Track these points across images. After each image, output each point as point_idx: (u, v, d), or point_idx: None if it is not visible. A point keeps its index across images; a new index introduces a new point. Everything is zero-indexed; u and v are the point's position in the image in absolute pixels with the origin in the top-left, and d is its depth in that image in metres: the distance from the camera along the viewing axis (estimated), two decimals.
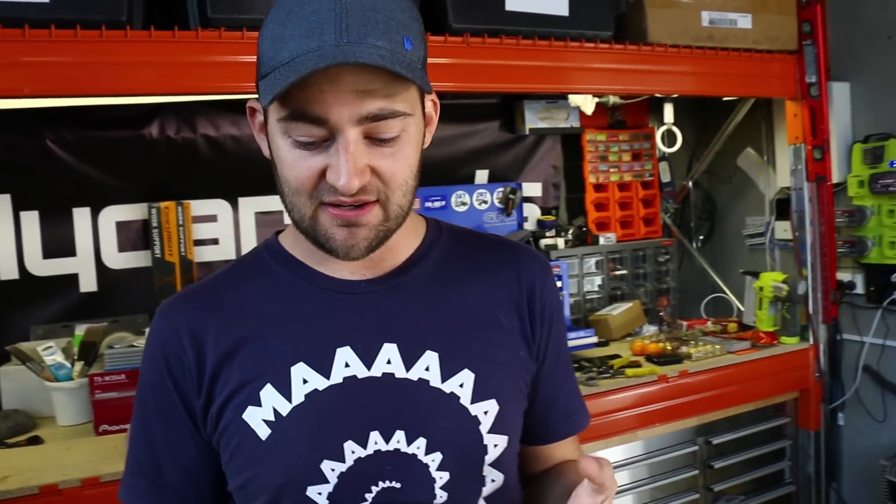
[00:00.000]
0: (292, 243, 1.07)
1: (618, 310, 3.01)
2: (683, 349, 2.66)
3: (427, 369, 1.01)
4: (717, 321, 3.11)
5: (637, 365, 2.55)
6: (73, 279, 2.51)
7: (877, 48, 2.80)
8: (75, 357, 2.23)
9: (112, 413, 2.08)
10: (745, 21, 2.61)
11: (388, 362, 1.00)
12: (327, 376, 0.98)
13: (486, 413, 1.02)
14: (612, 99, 3.17)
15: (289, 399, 0.97)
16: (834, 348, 2.97)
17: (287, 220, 2.70)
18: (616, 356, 2.65)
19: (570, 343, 2.64)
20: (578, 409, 1.20)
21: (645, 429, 2.47)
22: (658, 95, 3.13)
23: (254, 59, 1.63)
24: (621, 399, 2.40)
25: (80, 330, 2.27)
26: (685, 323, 3.08)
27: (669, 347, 2.70)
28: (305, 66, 0.84)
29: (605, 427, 2.37)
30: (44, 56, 1.68)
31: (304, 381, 0.98)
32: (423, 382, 1.00)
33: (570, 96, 2.99)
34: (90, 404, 2.13)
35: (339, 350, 0.99)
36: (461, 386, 1.01)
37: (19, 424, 2.14)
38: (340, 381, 0.98)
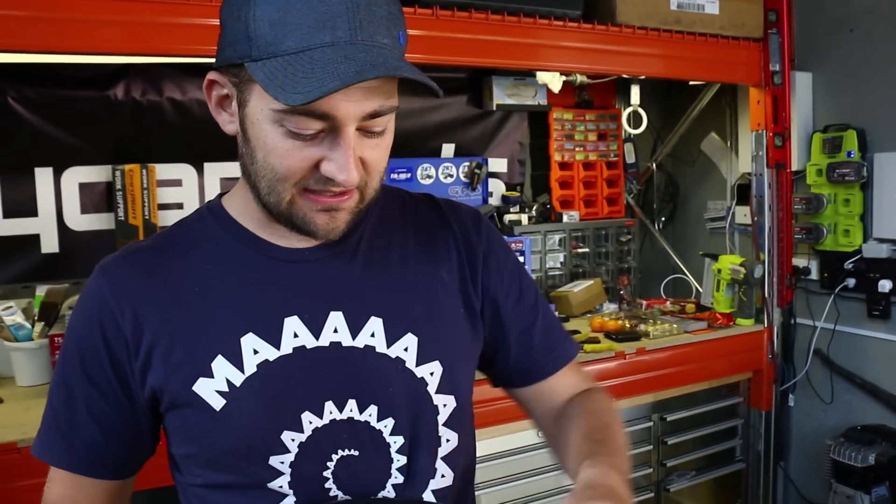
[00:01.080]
0: (239, 210, 1.05)
1: (579, 287, 3.05)
2: (642, 327, 2.71)
3: (372, 335, 1.02)
4: (676, 301, 3.17)
5: (596, 341, 2.59)
6: (34, 240, 2.47)
7: (839, 40, 2.85)
8: (35, 318, 2.22)
9: None
10: (712, 7, 2.64)
11: (335, 331, 1.01)
12: (277, 346, 0.99)
13: (431, 374, 1.05)
14: (580, 78, 3.19)
15: (241, 370, 0.98)
16: (787, 331, 3.04)
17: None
18: (576, 332, 2.69)
19: None
20: (561, 342, 1.20)
21: None
22: (625, 76, 3.16)
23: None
24: None
25: (41, 291, 2.25)
26: (644, 302, 3.13)
27: (628, 325, 2.74)
28: (334, 69, 0.83)
29: None
30: (4, 9, 1.64)
31: (255, 352, 0.98)
32: (369, 349, 1.02)
33: (538, 74, 3.01)
34: (50, 365, 2.12)
35: (287, 320, 1.00)
36: (405, 350, 1.03)
37: None
38: (290, 351, 0.99)
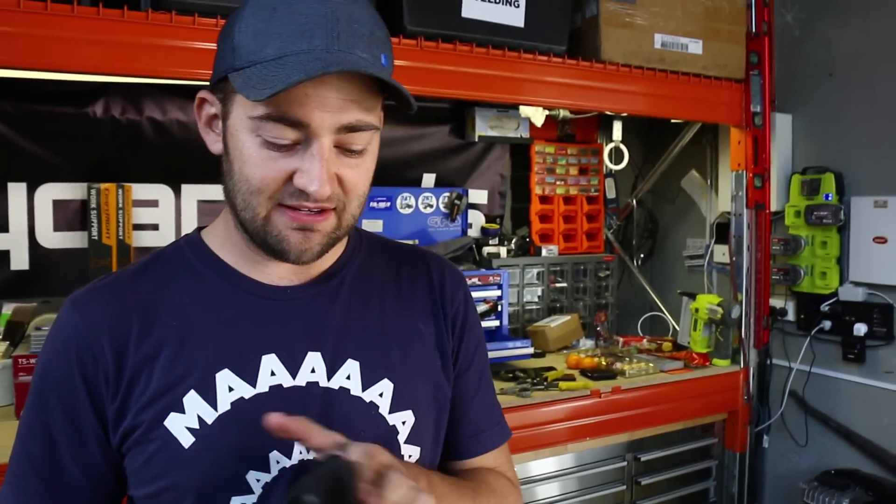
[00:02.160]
0: (220, 244, 1.04)
1: (556, 322, 3.03)
2: (618, 365, 2.69)
3: (348, 378, 1.01)
4: (653, 339, 3.15)
5: (571, 378, 2.56)
6: (3, 256, 2.42)
7: (819, 84, 2.88)
8: (0, 337, 2.17)
9: None
10: (696, 46, 2.66)
11: (313, 371, 1.00)
12: (253, 384, 0.97)
13: (403, 423, 1.04)
14: (563, 113, 3.20)
15: (214, 407, 0.95)
16: (763, 373, 3.04)
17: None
18: (551, 368, 2.67)
19: (507, 353, 2.67)
20: (491, 427, 1.19)
21: (576, 442, 2.48)
22: (608, 113, 3.17)
23: (204, 45, 1.60)
24: (554, 411, 2.41)
25: (8, 309, 2.22)
26: (621, 339, 3.11)
27: (604, 363, 2.73)
28: (303, 67, 0.84)
29: (537, 438, 2.38)
30: None
31: (230, 389, 0.96)
32: (343, 391, 1.00)
33: (521, 107, 3.01)
34: (13, 386, 2.06)
35: (264, 357, 0.98)
36: (381, 395, 1.02)
37: None
38: (266, 389, 0.97)
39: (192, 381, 0.96)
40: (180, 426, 0.94)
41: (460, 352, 1.15)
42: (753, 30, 2.88)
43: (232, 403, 0.96)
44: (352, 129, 0.91)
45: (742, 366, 2.91)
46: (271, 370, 0.98)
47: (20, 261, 2.45)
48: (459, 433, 1.16)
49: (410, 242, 2.97)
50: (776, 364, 3.04)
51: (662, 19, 2.58)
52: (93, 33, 1.73)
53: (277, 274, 1.03)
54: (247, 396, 0.96)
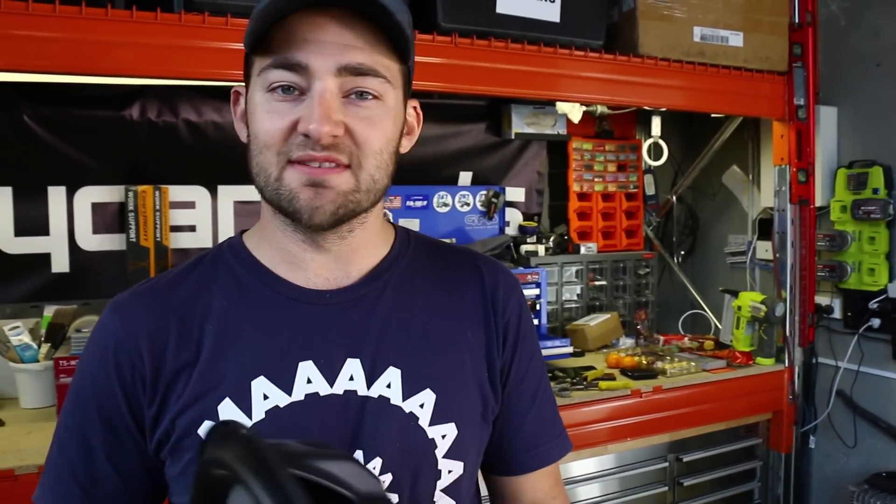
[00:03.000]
0: (256, 243, 1.03)
1: (595, 321, 2.99)
2: (658, 364, 2.65)
3: (388, 386, 0.98)
4: (694, 338, 3.10)
5: (611, 378, 2.53)
6: (45, 258, 2.46)
7: (865, 74, 2.80)
8: (42, 338, 2.19)
9: None
10: (736, 39, 2.60)
11: (351, 378, 0.97)
12: (289, 392, 0.95)
13: (443, 437, 1.00)
14: (600, 108, 3.15)
15: (248, 415, 0.94)
16: (808, 372, 2.96)
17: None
18: (591, 368, 2.63)
19: (546, 352, 2.62)
20: (549, 441, 1.14)
21: (616, 442, 2.44)
22: (646, 108, 3.12)
23: (237, 46, 1.61)
24: (594, 412, 2.37)
25: (49, 311, 2.23)
26: (662, 337, 3.06)
27: (644, 362, 2.68)
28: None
29: (577, 439, 2.29)
30: (20, 29, 1.64)
31: (265, 397, 0.94)
32: (383, 400, 0.97)
33: (558, 103, 2.97)
34: (55, 388, 2.08)
35: (301, 364, 0.96)
36: (421, 406, 0.99)
37: None
38: (302, 398, 0.95)
39: (227, 388, 0.94)
40: None
41: (513, 363, 1.10)
42: (797, 20, 2.80)
43: (266, 412, 0.94)
44: (355, 71, 0.90)
45: (787, 365, 2.85)
46: (308, 377, 0.96)
47: (61, 263, 2.48)
48: (514, 448, 1.12)
49: (449, 241, 2.96)
50: (822, 363, 2.97)
51: (702, 11, 2.52)
52: (127, 36, 1.74)
53: (313, 271, 1.00)
54: (282, 405, 0.94)
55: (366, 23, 0.91)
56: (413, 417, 0.98)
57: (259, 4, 0.91)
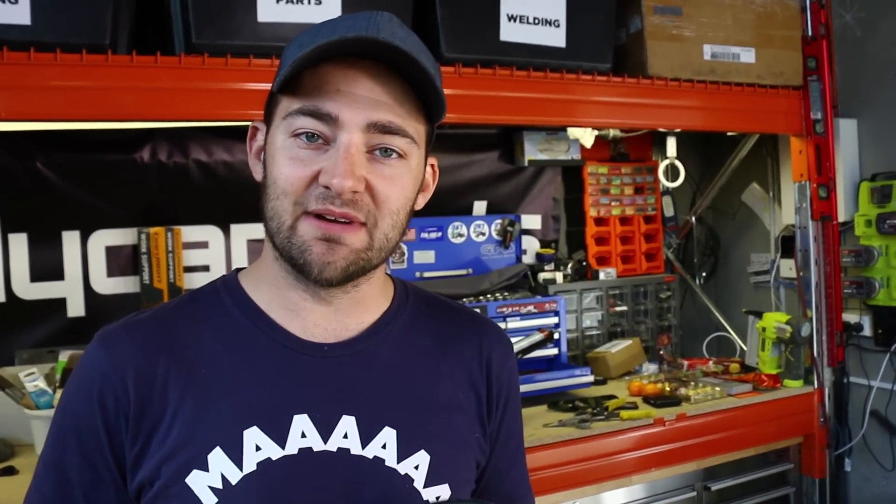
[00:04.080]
0: (254, 284, 1.01)
1: (617, 347, 2.95)
2: (682, 391, 2.59)
3: (384, 447, 0.96)
4: (719, 361, 3.03)
5: (633, 406, 2.47)
6: (60, 303, 2.47)
7: (885, 84, 2.75)
8: (57, 384, 2.19)
9: None
10: (748, 55, 2.56)
11: (345, 436, 0.94)
12: (282, 445, 0.92)
13: (437, 498, 0.98)
14: (613, 132, 3.12)
15: (240, 466, 0.91)
16: (840, 392, 2.89)
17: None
18: (612, 397, 2.58)
19: (567, 382, 2.61)
20: (523, 495, 1.17)
21: (641, 473, 2.39)
22: (660, 129, 3.08)
23: (239, 86, 1.61)
24: (616, 442, 2.33)
25: (64, 356, 2.23)
26: (686, 362, 3.00)
27: (668, 389, 2.63)
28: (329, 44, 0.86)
29: (599, 471, 2.30)
30: (22, 79, 1.66)
31: (258, 448, 0.91)
32: (378, 461, 0.95)
33: (569, 129, 2.95)
34: None
35: (296, 417, 0.93)
36: (416, 468, 0.97)
37: None
38: (296, 452, 0.92)
39: (219, 436, 0.91)
40: (202, 485, 0.90)
41: (502, 424, 1.10)
42: (810, 33, 2.77)
43: (258, 464, 0.91)
44: (384, 129, 0.89)
45: (816, 386, 2.78)
46: (302, 431, 0.93)
47: (76, 307, 2.49)
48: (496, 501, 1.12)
49: (465, 271, 2.93)
50: (854, 382, 2.88)
51: (711, 29, 2.50)
52: (128, 81, 1.76)
53: (312, 321, 0.98)
54: (274, 458, 0.92)
55: (399, 80, 0.91)
56: (408, 479, 0.96)
57: (292, 48, 0.90)
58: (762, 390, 2.68)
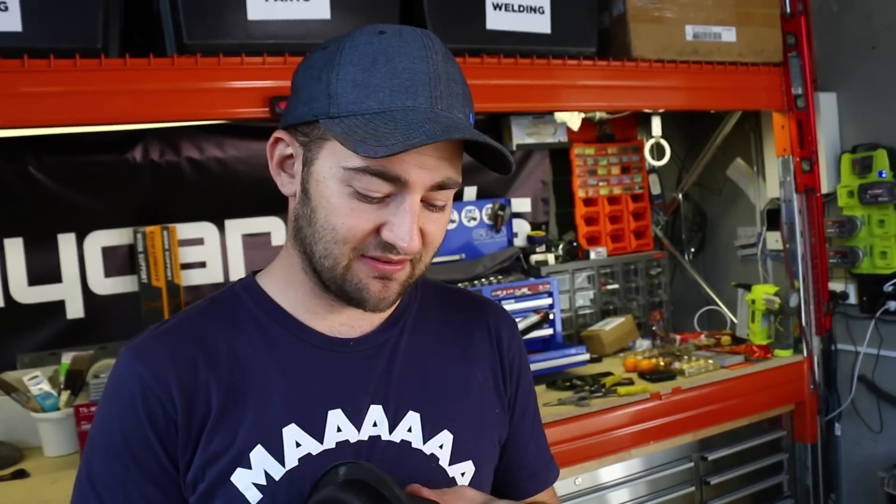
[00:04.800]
0: (279, 289, 1.03)
1: (610, 325, 2.99)
2: (676, 365, 2.64)
3: (409, 430, 1.01)
4: (711, 334, 3.08)
5: (629, 382, 2.52)
6: (59, 306, 2.49)
7: (862, 58, 2.79)
8: (62, 386, 2.21)
9: None
10: (729, 34, 2.59)
11: (375, 424, 0.99)
12: (320, 440, 0.96)
13: (462, 475, 1.04)
14: (599, 114, 3.15)
15: (282, 463, 0.95)
16: (828, 359, 2.94)
17: (275, 241, 2.63)
18: (608, 374, 2.63)
19: (563, 361, 2.65)
20: (545, 465, 1.22)
21: (639, 447, 2.44)
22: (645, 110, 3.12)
23: (232, 84, 1.61)
24: (614, 418, 2.37)
25: (67, 358, 2.25)
26: (678, 336, 3.05)
27: (662, 363, 2.67)
28: (418, 128, 0.84)
29: (599, 447, 2.34)
30: (16, 86, 1.66)
31: (297, 445, 0.95)
32: (405, 444, 1.00)
33: (556, 112, 2.98)
34: (76, 435, 2.10)
35: (330, 413, 0.98)
36: (441, 447, 1.02)
37: (4, 457, 2.11)
38: (333, 446, 0.97)
39: (259, 435, 0.95)
40: (247, 482, 0.93)
41: (517, 398, 1.16)
42: (788, 10, 2.79)
43: (300, 459, 0.95)
44: (442, 186, 0.91)
45: (805, 354, 2.83)
46: (337, 426, 0.97)
47: (75, 309, 2.52)
48: (519, 476, 1.18)
49: (459, 256, 2.97)
50: (842, 349, 2.95)
51: (692, 10, 2.52)
52: (122, 84, 1.77)
53: (339, 321, 1.02)
54: (314, 452, 0.96)
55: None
56: (434, 458, 1.01)
57: (346, 81, 0.89)
58: (754, 361, 2.74)
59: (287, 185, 0.98)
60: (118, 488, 0.94)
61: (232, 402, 0.95)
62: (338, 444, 0.97)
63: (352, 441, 0.97)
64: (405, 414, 1.01)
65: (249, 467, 0.93)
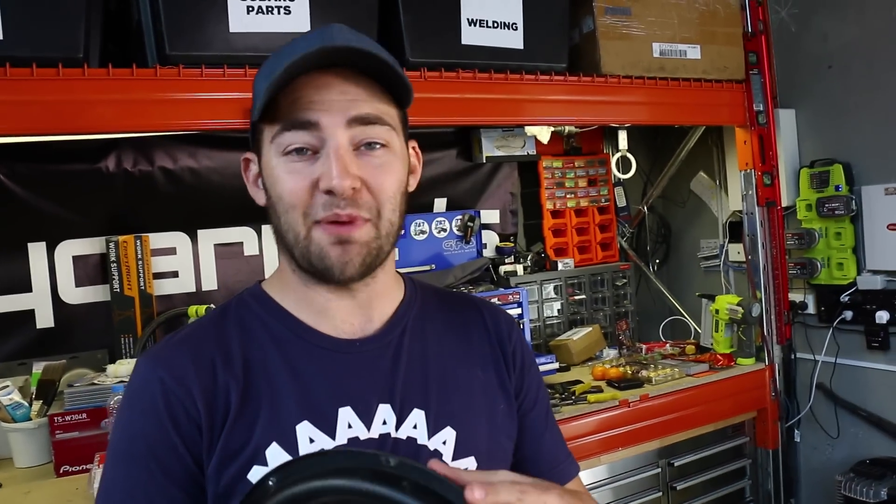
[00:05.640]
0: (280, 295, 1.07)
1: (578, 335, 3.04)
2: (643, 373, 2.70)
3: (415, 427, 1.03)
4: (676, 343, 3.15)
5: (599, 390, 2.57)
6: (29, 315, 2.46)
7: (819, 77, 2.89)
8: (33, 396, 2.19)
9: (74, 453, 2.03)
10: (694, 52, 2.68)
11: (384, 423, 1.02)
12: (333, 436, 0.99)
13: (465, 470, 1.04)
14: (568, 127, 3.22)
15: None
16: (788, 367, 3.03)
17: (248, 251, 2.62)
18: (577, 381, 2.68)
19: None
20: (565, 458, 1.22)
21: (608, 453, 2.49)
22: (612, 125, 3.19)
23: (213, 95, 1.65)
24: (584, 425, 2.41)
25: (38, 368, 2.22)
26: (644, 346, 3.12)
27: (630, 372, 2.73)
28: (294, 62, 0.91)
29: None
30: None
31: (311, 441, 0.98)
32: (411, 440, 1.03)
33: (526, 126, 3.03)
34: (50, 445, 2.08)
35: (340, 410, 1.00)
36: (444, 443, 1.04)
37: None
38: (345, 441, 0.99)
39: (274, 433, 0.97)
40: None
41: (525, 391, 1.18)
42: (750, 30, 2.90)
43: None
44: (363, 121, 0.96)
45: (767, 363, 2.91)
46: (348, 423, 1.00)
47: (45, 318, 2.49)
48: (537, 469, 1.17)
49: (428, 267, 3.00)
50: (801, 358, 3.03)
51: (659, 28, 2.60)
52: (104, 93, 1.77)
53: (340, 319, 1.05)
54: (327, 448, 0.98)
55: (365, 77, 0.97)
56: (437, 454, 1.04)
57: (260, 79, 0.96)
58: (718, 369, 2.81)
59: (259, 195, 1.05)
60: (142, 494, 0.95)
61: (248, 402, 0.98)
62: (349, 440, 0.99)
63: (362, 438, 1.00)
64: (410, 412, 1.03)
65: (266, 464, 0.95)
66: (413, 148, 1.11)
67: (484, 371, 1.13)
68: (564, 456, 1.23)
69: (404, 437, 1.02)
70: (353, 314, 1.06)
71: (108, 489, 0.97)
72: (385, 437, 1.01)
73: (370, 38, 0.99)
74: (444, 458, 1.04)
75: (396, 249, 1.10)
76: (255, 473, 0.95)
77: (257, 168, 1.03)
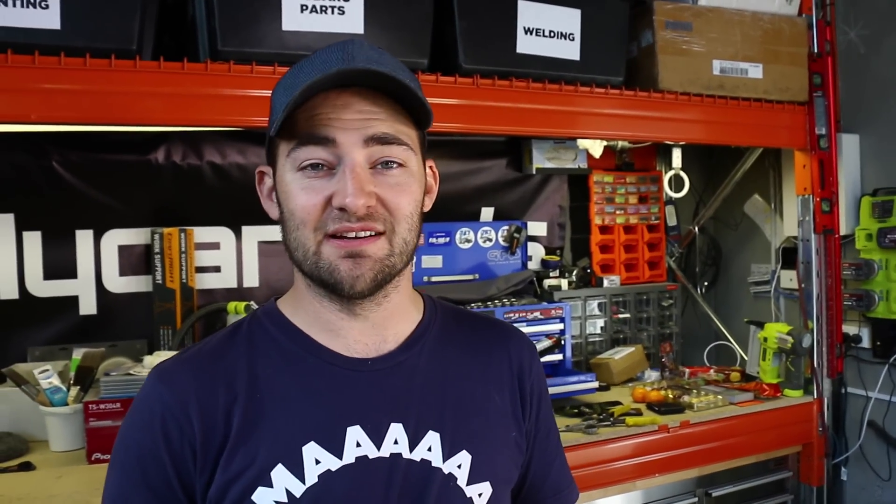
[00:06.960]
0: (292, 310, 1.06)
1: (620, 354, 2.98)
2: (685, 398, 2.63)
3: (429, 449, 1.01)
4: (720, 369, 3.07)
5: (638, 413, 2.51)
6: (73, 301, 2.49)
7: (887, 100, 2.80)
8: (71, 381, 2.21)
9: (105, 442, 2.03)
10: (755, 71, 2.61)
11: (396, 442, 0.99)
12: (339, 456, 0.97)
13: (480, 495, 1.03)
14: (621, 143, 3.16)
15: (302, 480, 0.95)
16: (838, 402, 2.93)
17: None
18: (617, 403, 2.62)
19: (571, 388, 2.63)
20: (568, 485, 1.23)
21: (644, 479, 2.42)
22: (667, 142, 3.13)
23: (263, 93, 1.65)
24: (621, 448, 2.36)
25: (78, 354, 2.24)
26: (687, 370, 3.04)
27: (671, 396, 2.66)
28: (314, 83, 0.91)
29: (604, 476, 2.33)
30: (52, 83, 1.69)
31: (317, 462, 0.96)
32: (425, 463, 1.00)
33: (579, 139, 2.98)
34: (84, 431, 2.10)
35: (349, 429, 0.98)
36: (459, 467, 1.02)
37: (11, 448, 2.11)
38: (353, 461, 0.97)
39: (279, 454, 0.95)
40: (269, 500, 0.94)
41: (539, 421, 1.17)
42: (816, 50, 2.81)
43: (319, 476, 0.95)
44: (380, 140, 0.95)
45: (815, 396, 2.82)
46: (357, 441, 0.98)
47: (88, 306, 2.51)
48: (542, 495, 1.19)
49: (472, 276, 2.97)
50: (852, 393, 2.93)
51: (720, 45, 2.54)
52: (154, 86, 1.78)
53: (353, 338, 1.03)
54: (333, 469, 0.96)
55: (384, 97, 0.96)
56: (452, 478, 1.01)
57: (279, 93, 0.97)
58: (763, 399, 2.72)
59: (272, 209, 1.05)
60: (122, 499, 0.97)
61: (252, 424, 0.96)
62: (357, 458, 0.97)
63: (371, 457, 0.97)
64: (425, 433, 1.01)
65: (271, 486, 0.94)
66: (430, 167, 1.09)
67: (500, 396, 1.11)
68: (567, 483, 1.23)
69: (418, 459, 0.99)
70: (367, 334, 1.03)
71: (105, 489, 1.00)
72: (396, 456, 0.99)
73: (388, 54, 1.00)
74: (458, 483, 1.01)
75: (412, 272, 1.09)
76: (260, 495, 0.94)
77: (272, 182, 1.03)
